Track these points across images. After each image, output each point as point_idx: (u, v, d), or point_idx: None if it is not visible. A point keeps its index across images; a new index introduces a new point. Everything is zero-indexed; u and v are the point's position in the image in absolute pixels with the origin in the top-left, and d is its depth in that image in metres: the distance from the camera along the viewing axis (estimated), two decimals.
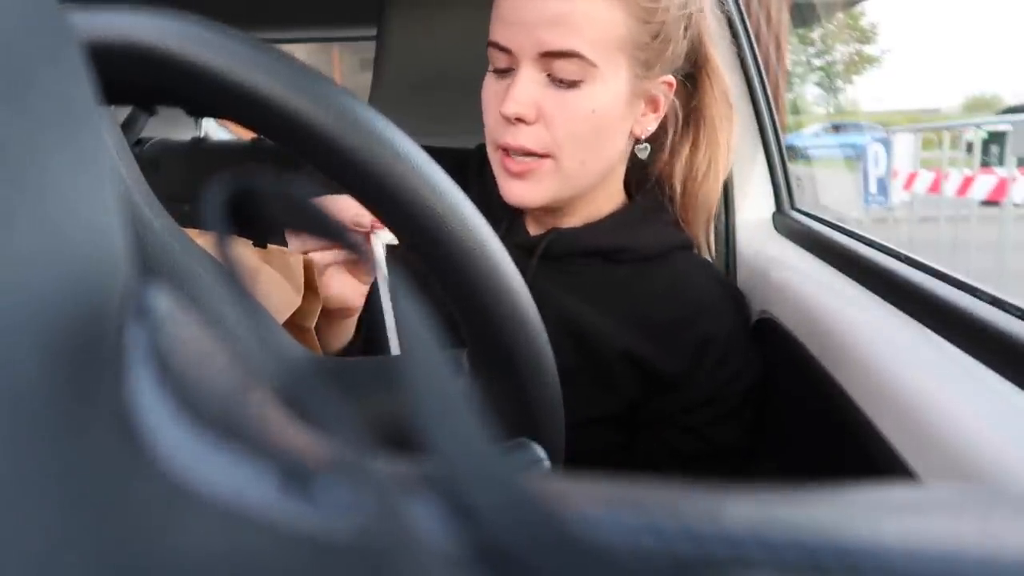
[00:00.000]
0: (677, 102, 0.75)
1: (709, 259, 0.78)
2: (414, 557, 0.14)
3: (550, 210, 0.75)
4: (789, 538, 0.14)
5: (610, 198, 0.76)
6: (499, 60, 0.69)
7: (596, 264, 0.74)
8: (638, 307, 0.72)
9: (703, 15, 0.73)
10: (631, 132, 0.72)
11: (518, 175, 0.69)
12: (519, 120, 0.67)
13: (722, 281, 0.76)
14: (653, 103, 0.72)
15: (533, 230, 0.77)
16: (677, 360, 0.70)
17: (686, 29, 0.70)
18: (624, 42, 0.66)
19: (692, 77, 0.75)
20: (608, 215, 0.76)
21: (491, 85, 0.71)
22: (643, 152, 0.74)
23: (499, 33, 0.68)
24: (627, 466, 0.73)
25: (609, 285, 0.74)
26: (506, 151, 0.69)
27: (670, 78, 0.71)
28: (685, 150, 0.77)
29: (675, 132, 0.76)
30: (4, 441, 0.13)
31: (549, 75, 0.66)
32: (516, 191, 0.70)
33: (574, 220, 0.76)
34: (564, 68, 0.66)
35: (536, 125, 0.68)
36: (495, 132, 0.70)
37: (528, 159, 0.69)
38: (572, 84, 0.66)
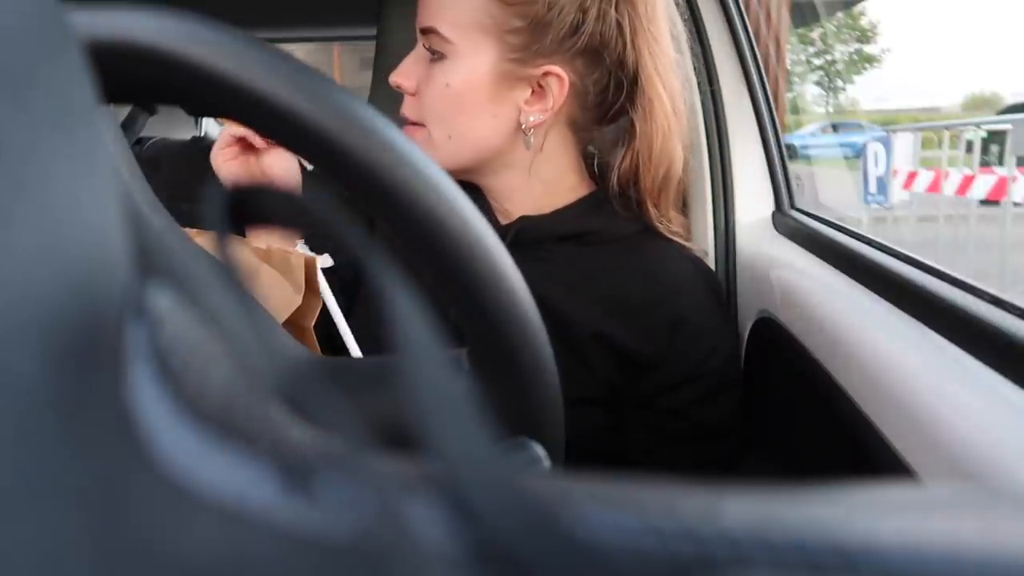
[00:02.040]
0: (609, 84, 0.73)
1: (681, 240, 0.77)
2: (414, 557, 0.14)
3: (501, 199, 0.77)
4: (788, 538, 0.14)
5: (572, 189, 0.76)
6: None
7: (567, 248, 0.75)
8: (609, 289, 0.73)
9: (632, 6, 0.70)
10: (517, 120, 0.71)
11: None
12: (401, 89, 0.73)
13: (692, 259, 0.76)
14: (539, 93, 0.71)
15: (503, 219, 0.78)
16: (649, 341, 0.71)
17: (583, 16, 0.68)
18: (487, 25, 0.68)
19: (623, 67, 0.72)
20: (576, 201, 0.76)
21: None
22: (527, 143, 0.73)
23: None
24: (619, 450, 0.74)
25: (580, 268, 0.74)
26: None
27: (558, 71, 0.70)
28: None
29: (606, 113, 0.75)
30: (4, 441, 0.13)
31: (427, 48, 0.72)
32: None
33: (527, 207, 0.76)
34: (430, 42, 0.71)
35: (416, 96, 0.73)
36: None
37: (411, 129, 0.73)
38: (438, 58, 0.70)
